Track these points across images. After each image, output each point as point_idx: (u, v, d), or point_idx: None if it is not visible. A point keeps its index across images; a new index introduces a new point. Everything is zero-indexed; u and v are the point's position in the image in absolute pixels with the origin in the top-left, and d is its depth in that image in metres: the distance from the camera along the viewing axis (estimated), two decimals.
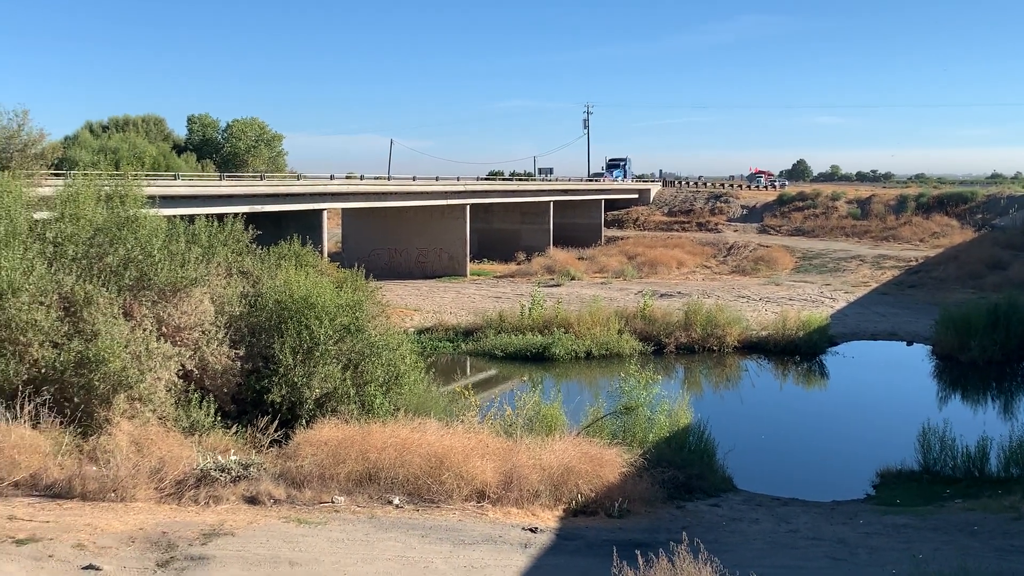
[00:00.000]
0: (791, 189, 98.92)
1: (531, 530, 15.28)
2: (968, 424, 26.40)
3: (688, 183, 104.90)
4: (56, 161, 37.52)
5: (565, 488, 17.19)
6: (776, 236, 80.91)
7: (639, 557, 7.55)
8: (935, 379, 37.98)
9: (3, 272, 18.53)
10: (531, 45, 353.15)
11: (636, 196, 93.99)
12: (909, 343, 43.52)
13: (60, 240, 21.00)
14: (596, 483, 17.47)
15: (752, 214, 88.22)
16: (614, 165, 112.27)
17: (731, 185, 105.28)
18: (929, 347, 41.49)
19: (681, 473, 19.77)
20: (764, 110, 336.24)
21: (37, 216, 22.30)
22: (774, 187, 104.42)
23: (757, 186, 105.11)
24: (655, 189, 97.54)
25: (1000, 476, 21.74)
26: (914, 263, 66.23)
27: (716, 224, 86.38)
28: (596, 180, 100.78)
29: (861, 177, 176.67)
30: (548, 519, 16.23)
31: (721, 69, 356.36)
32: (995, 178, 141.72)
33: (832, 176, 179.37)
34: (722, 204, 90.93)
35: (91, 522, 14.09)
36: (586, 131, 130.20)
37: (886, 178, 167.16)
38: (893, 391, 36.32)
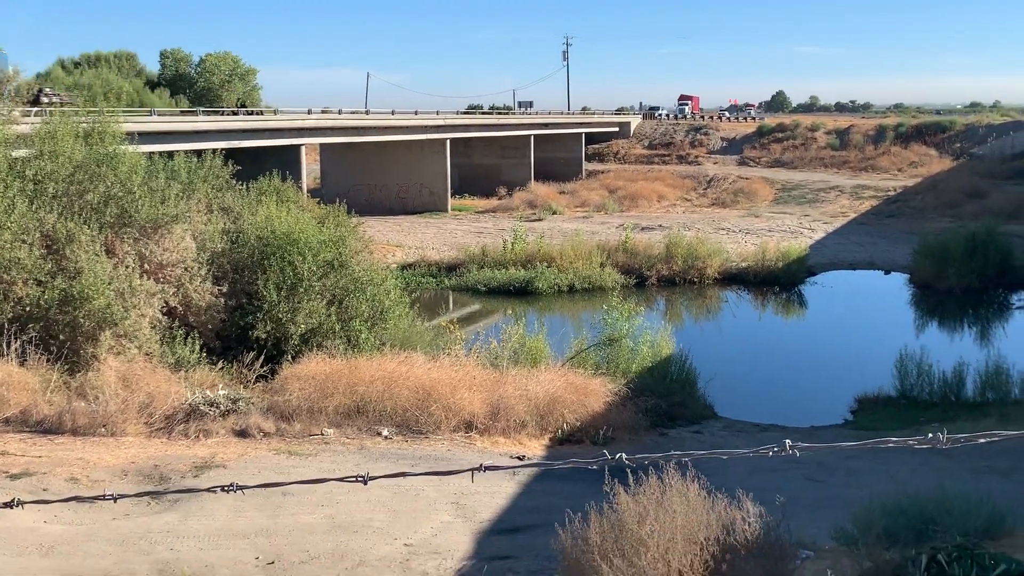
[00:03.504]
0: (770, 120, 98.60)
1: (519, 458, 15.55)
2: (945, 351, 26.81)
3: (668, 115, 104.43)
4: (32, 98, 36.97)
5: (551, 418, 17.46)
6: (756, 168, 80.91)
7: (629, 476, 7.77)
8: (913, 307, 38.42)
9: None
10: None
11: (617, 129, 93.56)
12: (887, 272, 43.94)
13: (40, 178, 20.88)
14: (581, 412, 17.74)
15: (732, 146, 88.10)
16: None
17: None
18: (907, 276, 41.90)
19: (664, 401, 20.07)
20: (744, 41, 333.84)
21: (16, 154, 22.12)
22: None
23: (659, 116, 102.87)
24: (635, 122, 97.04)
25: (976, 401, 22.15)
26: (892, 193, 66.48)
27: (696, 157, 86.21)
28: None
29: (840, 108, 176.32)
30: (535, 448, 16.51)
31: None
32: (974, 107, 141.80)
33: (811, 107, 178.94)
34: (702, 136, 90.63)
35: (83, 456, 14.25)
36: (566, 63, 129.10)
37: (865, 108, 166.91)
38: (871, 319, 36.75)
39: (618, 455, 3.31)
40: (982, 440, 3.29)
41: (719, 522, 7.31)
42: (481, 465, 3.55)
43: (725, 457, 3.94)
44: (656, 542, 7.01)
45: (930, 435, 3.31)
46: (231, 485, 3.53)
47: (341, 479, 3.65)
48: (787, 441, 3.34)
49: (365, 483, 3.53)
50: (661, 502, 7.36)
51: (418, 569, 10.38)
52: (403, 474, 4.02)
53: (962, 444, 3.24)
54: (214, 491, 3.57)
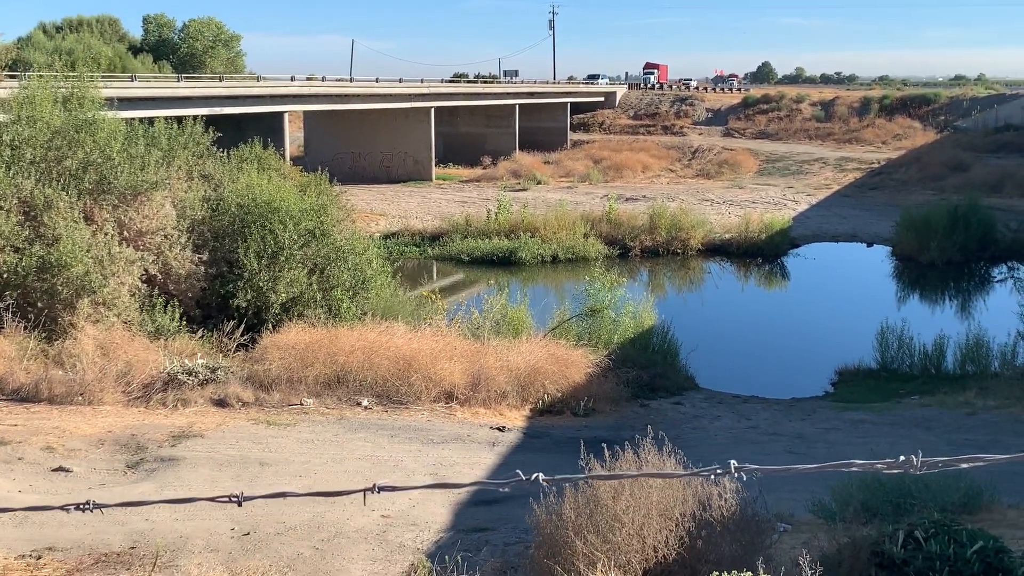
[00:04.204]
0: (756, 91, 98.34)
1: (499, 429, 15.53)
2: (926, 323, 26.92)
3: (653, 86, 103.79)
4: (10, 63, 36.45)
5: (532, 388, 17.43)
6: (740, 139, 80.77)
7: (605, 451, 7.73)
8: (894, 280, 38.53)
9: None
10: None
11: (602, 99, 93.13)
12: (870, 244, 44.00)
13: (17, 143, 20.60)
14: (562, 383, 17.72)
15: (717, 117, 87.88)
16: None
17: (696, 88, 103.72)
18: (889, 248, 42.00)
19: (645, 373, 20.09)
20: (729, 12, 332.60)
21: None
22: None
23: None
24: (621, 92, 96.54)
25: (956, 374, 22.27)
26: (876, 165, 66.48)
27: (681, 127, 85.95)
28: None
29: (825, 79, 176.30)
30: (515, 418, 16.48)
31: None
32: (958, 80, 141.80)
33: (797, 78, 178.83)
34: (687, 107, 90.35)
35: (59, 425, 14.13)
36: (552, 32, 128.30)
37: (850, 80, 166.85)
38: (853, 292, 36.86)
39: (535, 475, 3.16)
40: (964, 466, 3.10)
41: (695, 498, 7.28)
42: (375, 485, 3.39)
43: (660, 480, 3.86)
44: (631, 518, 6.97)
45: (902, 458, 3.10)
46: (87, 503, 3.42)
47: (212, 499, 3.51)
48: (732, 462, 3.19)
49: (239, 504, 3.41)
50: (637, 478, 7.32)
51: (395, 541, 10.34)
52: (283, 494, 3.89)
53: (940, 469, 3.06)
54: (67, 510, 3.45)
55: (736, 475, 3.06)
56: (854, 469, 3.10)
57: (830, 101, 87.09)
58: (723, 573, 5.94)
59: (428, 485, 4.41)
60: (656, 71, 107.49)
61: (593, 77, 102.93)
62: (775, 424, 17.59)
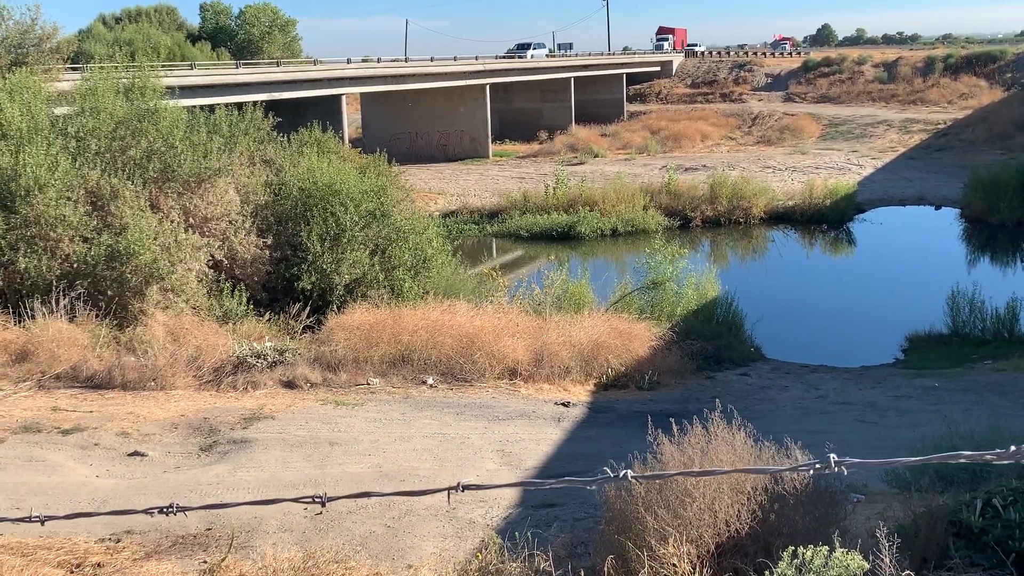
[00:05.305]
0: (816, 54, 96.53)
1: (563, 404, 15.52)
2: (997, 286, 26.30)
3: (711, 53, 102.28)
4: (72, 55, 37.09)
5: (595, 363, 17.39)
6: (801, 104, 79.38)
7: (673, 424, 7.67)
8: (964, 243, 37.74)
9: (28, 168, 18.61)
10: None
11: (658, 69, 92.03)
12: (937, 207, 43.12)
13: (82, 135, 21.01)
14: (626, 357, 17.65)
15: (777, 82, 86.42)
16: None
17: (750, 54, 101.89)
18: (958, 211, 41.13)
19: (710, 345, 19.91)
20: None
21: (58, 111, 22.26)
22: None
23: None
24: (677, 60, 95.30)
25: None
26: (942, 126, 65.00)
27: (740, 94, 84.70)
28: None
29: (887, 40, 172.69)
30: (580, 393, 16.47)
31: None
32: None
33: (858, 40, 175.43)
34: (746, 73, 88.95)
35: (133, 410, 14.42)
36: (605, 2, 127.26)
37: (913, 40, 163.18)
38: (922, 256, 36.18)
39: (623, 472, 3.08)
40: None
41: None
42: (459, 484, 3.35)
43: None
44: (702, 492, 6.92)
45: (1012, 448, 2.76)
46: (171, 506, 3.49)
47: (296, 499, 3.54)
48: (832, 456, 2.97)
49: (323, 504, 3.41)
50: (707, 451, 7.26)
51: (465, 518, 10.40)
52: (366, 494, 3.90)
53: None
54: (151, 513, 3.51)
55: (837, 470, 2.88)
56: (962, 461, 2.85)
57: (893, 62, 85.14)
58: (798, 547, 5.88)
59: (511, 484, 4.39)
60: (671, 36, 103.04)
61: (523, 47, 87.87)
62: (844, 393, 17.33)
